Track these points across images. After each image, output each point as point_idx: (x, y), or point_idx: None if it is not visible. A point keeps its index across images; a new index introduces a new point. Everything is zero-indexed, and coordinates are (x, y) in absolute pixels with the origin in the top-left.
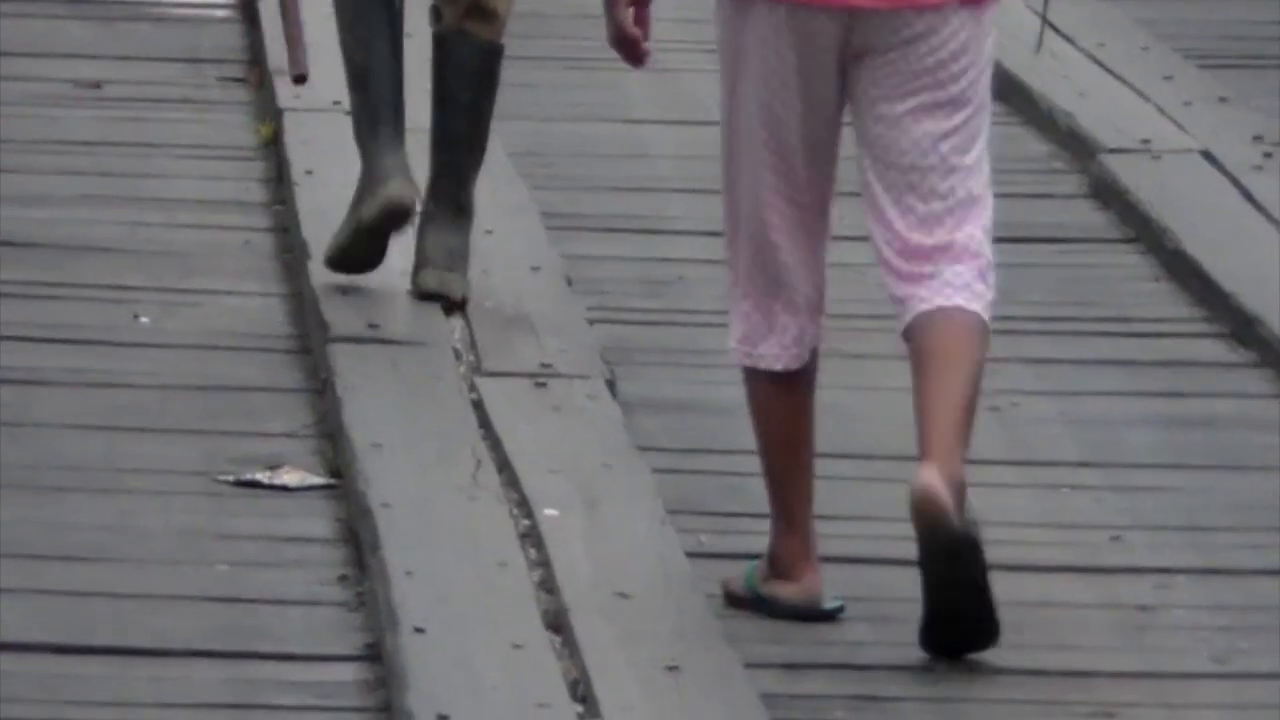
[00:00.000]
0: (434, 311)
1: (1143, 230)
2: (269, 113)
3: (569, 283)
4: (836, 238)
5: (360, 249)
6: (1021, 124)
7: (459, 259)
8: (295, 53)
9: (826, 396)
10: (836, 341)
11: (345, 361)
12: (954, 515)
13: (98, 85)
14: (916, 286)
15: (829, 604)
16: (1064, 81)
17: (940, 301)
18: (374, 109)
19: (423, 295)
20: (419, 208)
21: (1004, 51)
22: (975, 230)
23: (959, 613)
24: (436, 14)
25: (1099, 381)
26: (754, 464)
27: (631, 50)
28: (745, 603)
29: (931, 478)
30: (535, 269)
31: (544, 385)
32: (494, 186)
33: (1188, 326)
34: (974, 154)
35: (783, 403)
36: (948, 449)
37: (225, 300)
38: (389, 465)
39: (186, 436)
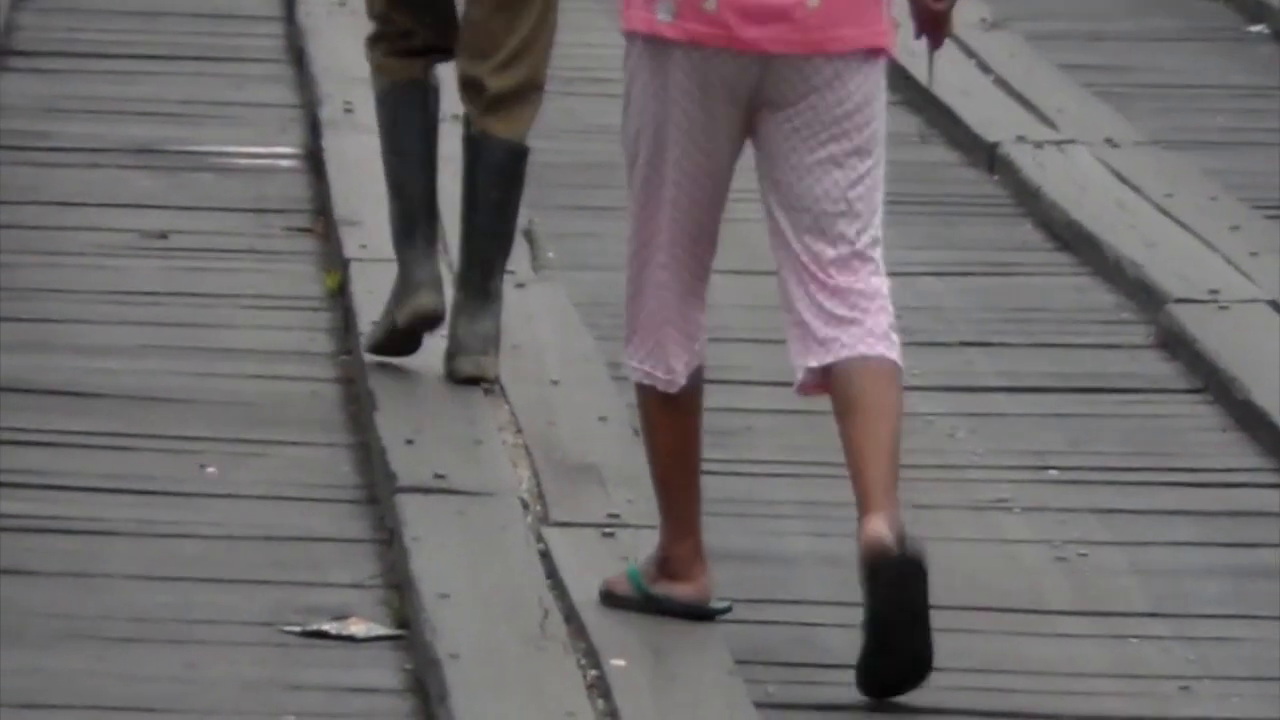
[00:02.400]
0: (501, 461)
1: (1211, 380)
2: (335, 263)
3: (636, 433)
4: (907, 388)
5: (395, 346)
6: (1090, 274)
7: (491, 343)
8: None
9: None
10: (905, 492)
11: (412, 512)
12: (898, 548)
13: (163, 235)
14: (839, 330)
15: (717, 604)
16: (1132, 231)
17: (864, 350)
18: (409, 219)
19: (459, 380)
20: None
21: (1072, 202)
22: (884, 279)
23: (900, 643)
24: (466, 120)
25: (1168, 532)
26: (824, 614)
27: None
28: (632, 603)
29: (879, 527)
30: (602, 419)
31: (611, 535)
32: (559, 337)
33: (1257, 477)
34: (876, 200)
35: (676, 420)
36: (886, 496)
37: (292, 451)
38: (456, 616)
39: (253, 587)
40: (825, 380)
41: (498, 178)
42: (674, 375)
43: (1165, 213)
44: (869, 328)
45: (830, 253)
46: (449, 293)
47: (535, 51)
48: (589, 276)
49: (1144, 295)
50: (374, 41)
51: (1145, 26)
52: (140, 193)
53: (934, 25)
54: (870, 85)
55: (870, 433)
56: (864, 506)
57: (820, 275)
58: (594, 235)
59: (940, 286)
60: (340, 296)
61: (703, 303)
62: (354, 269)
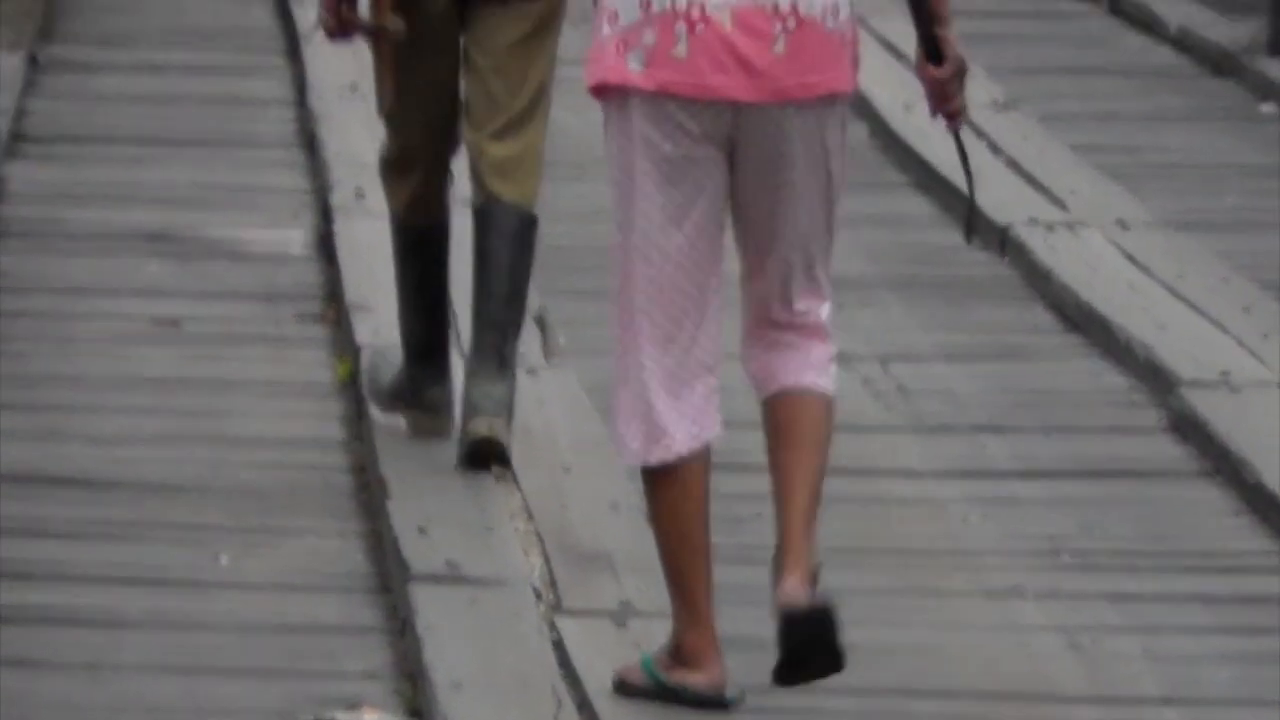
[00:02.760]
0: (513, 549)
1: (1222, 464)
2: (347, 350)
3: (648, 520)
4: (917, 474)
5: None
6: (1101, 356)
7: (504, 407)
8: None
9: (907, 635)
10: (918, 578)
11: (424, 601)
12: (809, 603)
13: (176, 323)
14: (784, 355)
15: (731, 693)
16: (1143, 314)
17: (806, 381)
18: (424, 347)
19: (473, 443)
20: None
21: (1084, 284)
22: (828, 309)
23: (813, 669)
24: (475, 190)
25: (1181, 617)
26: (839, 703)
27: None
28: (646, 692)
29: (794, 590)
30: (614, 506)
31: (624, 624)
32: (571, 422)
33: (1269, 560)
34: (831, 236)
35: (686, 497)
36: (804, 547)
37: (304, 539)
38: (469, 705)
39: (266, 677)
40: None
41: (508, 242)
42: (670, 442)
43: (1176, 294)
44: (811, 359)
45: (791, 285)
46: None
47: (535, 118)
48: (601, 362)
49: (1155, 378)
50: (387, 167)
51: (1156, 107)
52: (152, 279)
53: (942, 98)
54: (835, 126)
55: (802, 467)
56: (783, 556)
57: (777, 306)
58: (606, 321)
59: (951, 370)
60: (352, 383)
61: (704, 375)
62: (365, 356)
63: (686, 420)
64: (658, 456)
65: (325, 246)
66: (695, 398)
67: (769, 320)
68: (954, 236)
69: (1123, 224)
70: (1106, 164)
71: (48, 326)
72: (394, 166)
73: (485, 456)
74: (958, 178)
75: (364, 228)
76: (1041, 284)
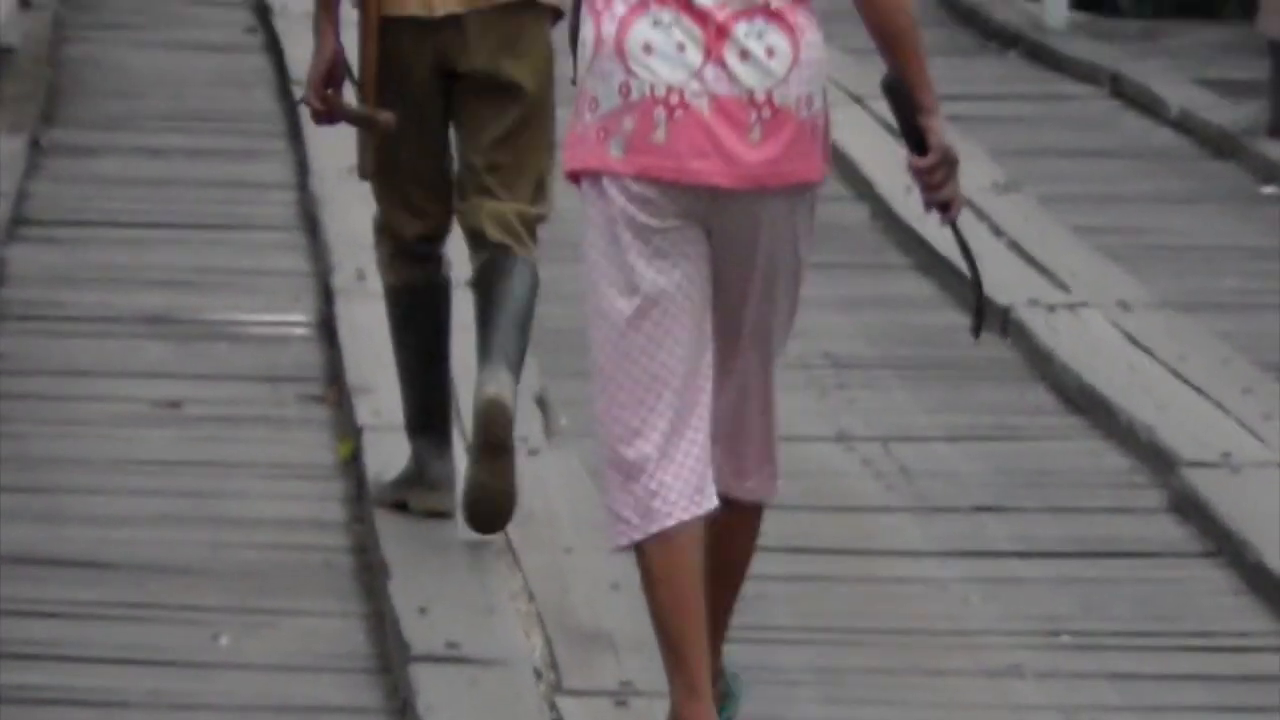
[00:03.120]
0: (514, 629)
1: (1224, 544)
2: (348, 431)
3: (642, 590)
4: (918, 554)
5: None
6: (1102, 437)
7: (509, 384)
8: (366, 154)
9: (907, 714)
10: (918, 658)
11: (425, 681)
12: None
13: (177, 405)
14: (741, 463)
15: None
16: (1144, 395)
17: (753, 498)
18: (423, 413)
19: (483, 401)
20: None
21: (1085, 365)
22: (777, 416)
23: None
24: (475, 253)
25: (1182, 697)
26: None
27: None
28: None
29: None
30: (615, 587)
31: (624, 704)
32: (572, 504)
33: (1270, 640)
34: (793, 320)
35: (682, 564)
36: (711, 667)
37: (304, 620)
38: None
39: None
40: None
41: (512, 280)
42: (668, 507)
43: (1178, 375)
44: (762, 477)
45: (753, 367)
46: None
47: (530, 180)
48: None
49: (1157, 459)
50: (378, 232)
51: (1158, 188)
52: (153, 362)
53: (931, 189)
54: (804, 213)
55: (727, 595)
56: (698, 677)
57: (723, 396)
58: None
59: (953, 451)
60: (353, 464)
61: (692, 444)
62: (367, 437)
63: (681, 485)
64: (658, 526)
65: (326, 328)
66: (690, 466)
67: (728, 424)
68: (955, 318)
69: (1124, 305)
70: (1108, 245)
71: (48, 408)
72: (384, 232)
73: (494, 423)
74: (960, 259)
75: (365, 309)
76: (1043, 365)
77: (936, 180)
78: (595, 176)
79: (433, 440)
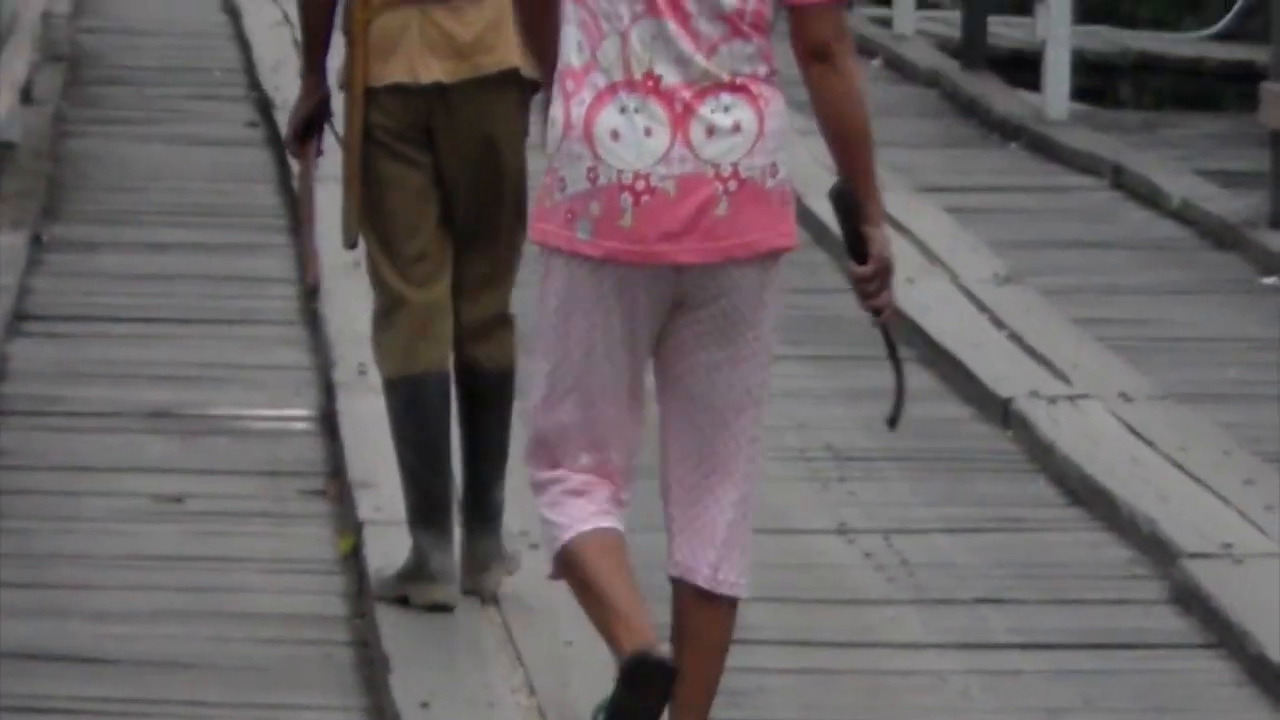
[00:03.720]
0: None
1: (1225, 636)
2: (349, 526)
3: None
4: (919, 646)
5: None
6: (1104, 529)
7: (492, 557)
8: (312, 266)
9: None
10: None
11: None
12: None
13: (178, 500)
14: (694, 544)
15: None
16: (1146, 486)
17: (708, 584)
18: (426, 511)
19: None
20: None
21: (1086, 457)
22: (750, 506)
23: None
24: (456, 348)
25: None
26: None
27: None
28: None
29: None
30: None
31: None
32: (572, 598)
33: None
34: (764, 394)
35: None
36: None
37: (306, 715)
38: None
39: None
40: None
41: (489, 404)
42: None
43: (1179, 467)
44: (728, 566)
45: (717, 450)
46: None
47: (504, 283)
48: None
49: (1158, 550)
50: (375, 323)
51: (1159, 280)
52: (155, 457)
53: (866, 295)
54: (770, 283)
55: (696, 671)
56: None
57: (699, 469)
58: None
59: (953, 543)
60: (354, 559)
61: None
62: (368, 532)
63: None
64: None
65: (328, 423)
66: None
67: (687, 478)
68: (956, 410)
69: (1125, 397)
70: (1109, 337)
71: (50, 504)
72: (380, 319)
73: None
74: (961, 351)
75: (366, 404)
76: (1044, 457)
77: (872, 289)
78: (564, 258)
79: (433, 532)
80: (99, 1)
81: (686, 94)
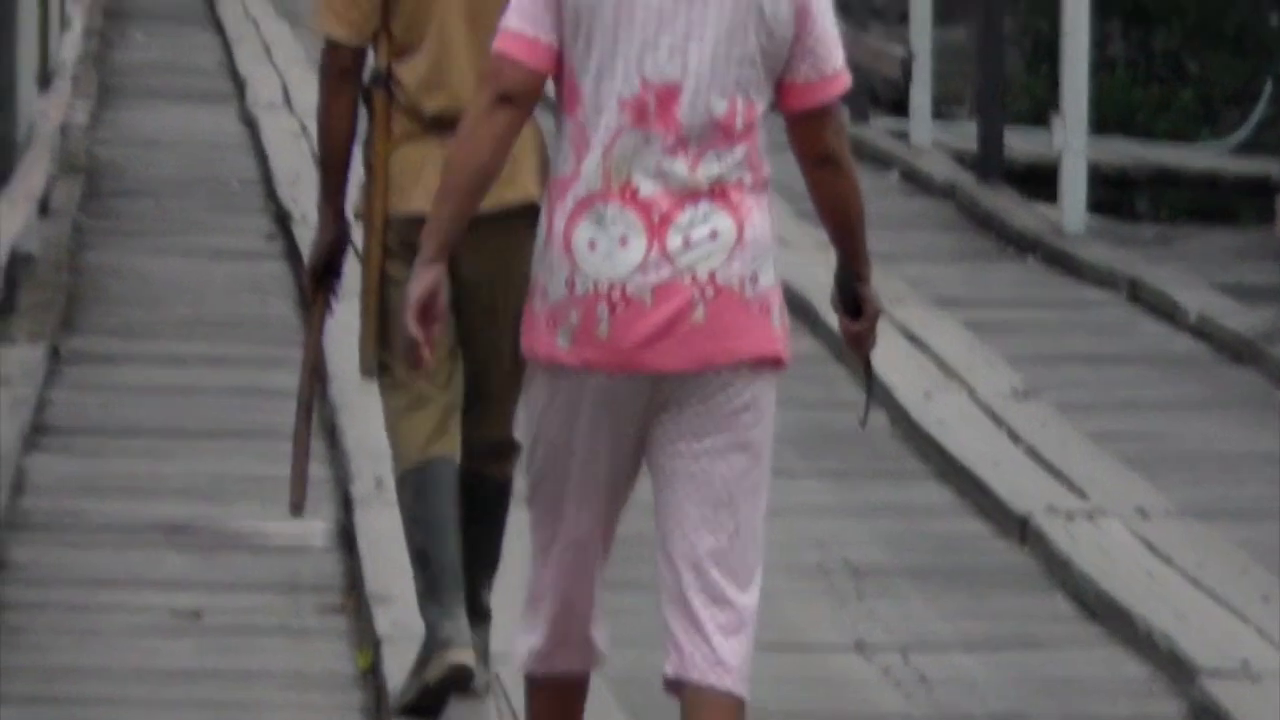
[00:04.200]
0: None
1: None
2: (367, 641)
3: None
4: None
5: (425, 704)
6: (1121, 646)
7: (482, 656)
8: (300, 488)
9: None
10: None
11: None
12: None
13: (196, 614)
14: (695, 644)
15: None
16: (1163, 603)
17: (714, 681)
18: (437, 585)
19: (445, 671)
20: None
21: (1103, 573)
22: (754, 596)
23: None
24: (467, 448)
25: None
26: None
27: (415, 355)
28: None
29: None
30: None
31: None
32: (592, 714)
33: None
34: (759, 499)
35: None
36: None
37: None
38: None
39: None
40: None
41: (487, 512)
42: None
43: (1196, 584)
44: (721, 655)
45: (709, 542)
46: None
47: (509, 406)
48: (625, 654)
49: (1176, 667)
50: (389, 424)
51: (1176, 394)
52: (173, 571)
53: (857, 346)
54: (757, 389)
55: None
56: None
57: (695, 567)
58: (629, 611)
59: (971, 659)
60: (372, 674)
61: (598, 610)
62: (386, 647)
63: (569, 653)
64: (546, 669)
65: (346, 537)
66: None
67: (683, 576)
68: (974, 525)
69: (1142, 513)
70: (1126, 452)
71: (68, 619)
72: (403, 414)
73: (453, 685)
74: (979, 466)
75: (384, 518)
76: (1061, 573)
77: (865, 338)
78: (545, 365)
79: (443, 604)
80: (116, 114)
81: (664, 203)
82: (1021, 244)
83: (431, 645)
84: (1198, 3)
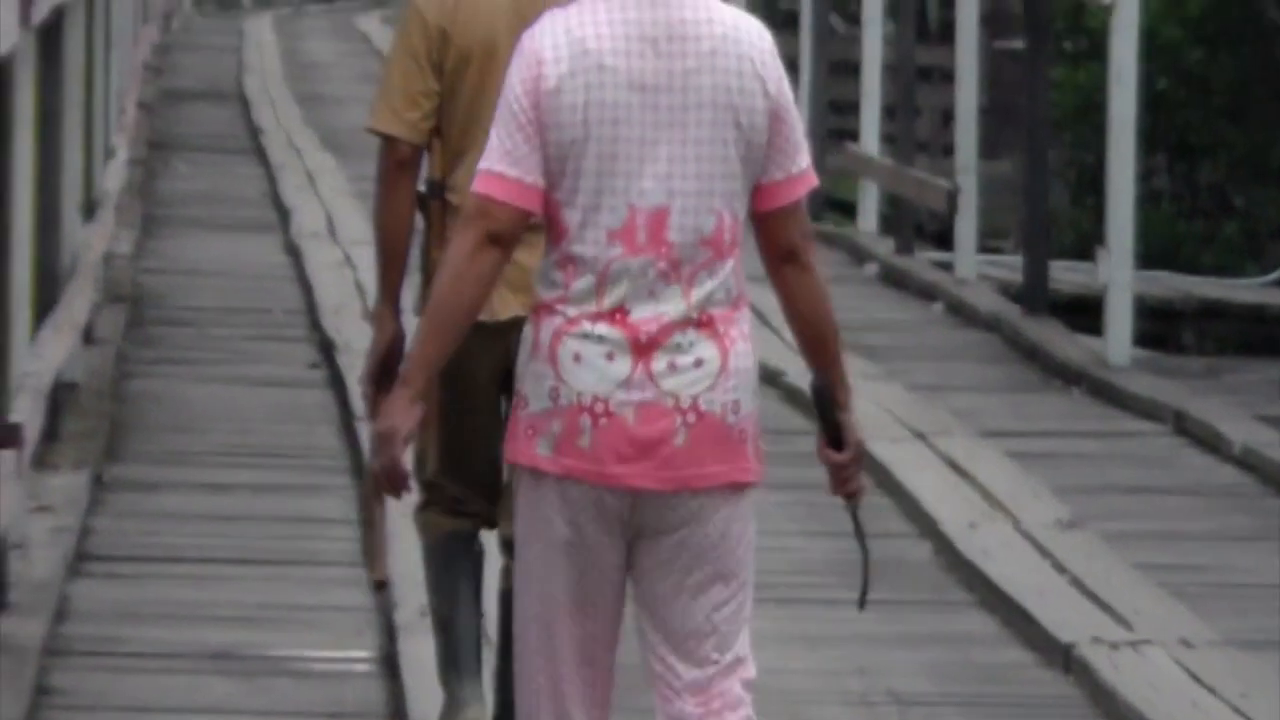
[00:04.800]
0: None
1: None
2: None
3: None
4: None
5: None
6: None
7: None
8: (379, 561)
9: None
10: None
11: None
12: None
13: None
14: None
15: None
16: None
17: None
18: (456, 652)
19: None
20: None
21: (1148, 703)
22: (735, 685)
23: None
24: (506, 546)
25: None
26: None
27: (396, 483)
28: None
29: None
30: None
31: None
32: None
33: None
34: (741, 621)
35: None
36: None
37: None
38: None
39: None
40: None
41: None
42: None
43: (1241, 714)
44: None
45: (693, 674)
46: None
47: None
48: None
49: None
50: (423, 508)
51: (1220, 526)
52: (216, 698)
53: (842, 481)
54: (734, 515)
55: None
56: None
57: (681, 696)
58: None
59: None
60: None
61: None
62: None
63: None
64: None
65: (389, 664)
66: None
67: (670, 704)
68: (1019, 655)
69: (1187, 643)
70: (1171, 583)
71: None
72: (430, 505)
73: None
74: (1023, 596)
75: (428, 645)
76: (1106, 703)
77: (849, 474)
78: (528, 473)
79: (460, 670)
80: (160, 243)
81: (653, 327)
82: (1067, 376)
83: (449, 708)
84: (1243, 137)
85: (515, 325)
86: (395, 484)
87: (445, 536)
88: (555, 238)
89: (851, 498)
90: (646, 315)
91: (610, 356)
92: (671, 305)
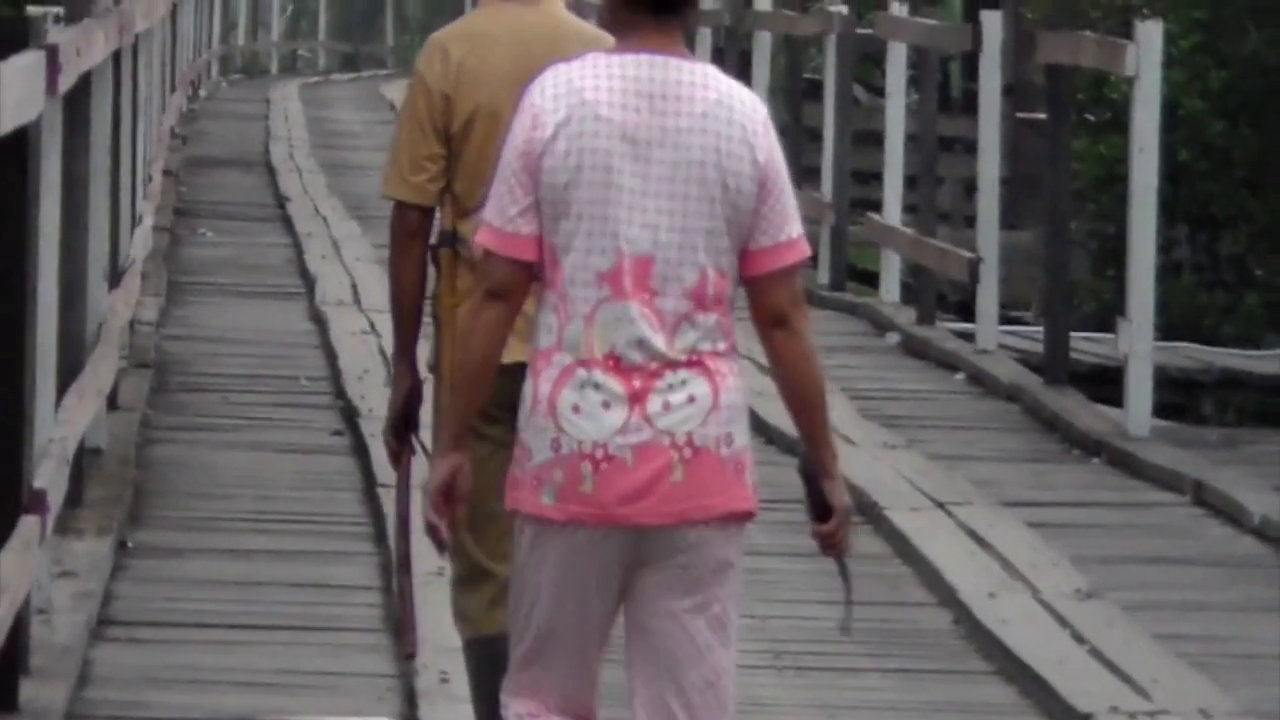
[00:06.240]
0: None
1: None
2: None
3: None
4: None
5: None
6: None
7: None
8: (410, 633)
9: None
10: None
11: None
12: None
13: None
14: None
15: None
16: None
17: None
18: None
19: None
20: None
21: None
22: None
23: None
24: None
25: None
26: None
27: (436, 538)
28: None
29: None
30: None
31: None
32: None
33: None
34: (732, 647)
35: None
36: None
37: None
38: None
39: None
40: None
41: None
42: None
43: None
44: None
45: (683, 697)
46: None
47: None
48: None
49: None
50: (457, 587)
51: (1240, 596)
52: None
53: (830, 547)
54: (732, 545)
55: None
56: None
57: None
58: None
59: None
60: None
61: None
62: None
63: None
64: None
65: None
66: None
67: None
68: None
69: (1206, 714)
70: (1190, 653)
71: None
72: (464, 584)
73: None
74: (1043, 666)
75: (449, 713)
76: None
77: (835, 540)
78: (531, 521)
79: None
80: (185, 310)
81: (644, 371)
82: (1087, 446)
83: None
84: (1264, 208)
85: (520, 370)
86: (432, 537)
87: (478, 640)
88: (549, 280)
89: (837, 551)
90: (637, 361)
91: (607, 405)
92: (658, 352)
